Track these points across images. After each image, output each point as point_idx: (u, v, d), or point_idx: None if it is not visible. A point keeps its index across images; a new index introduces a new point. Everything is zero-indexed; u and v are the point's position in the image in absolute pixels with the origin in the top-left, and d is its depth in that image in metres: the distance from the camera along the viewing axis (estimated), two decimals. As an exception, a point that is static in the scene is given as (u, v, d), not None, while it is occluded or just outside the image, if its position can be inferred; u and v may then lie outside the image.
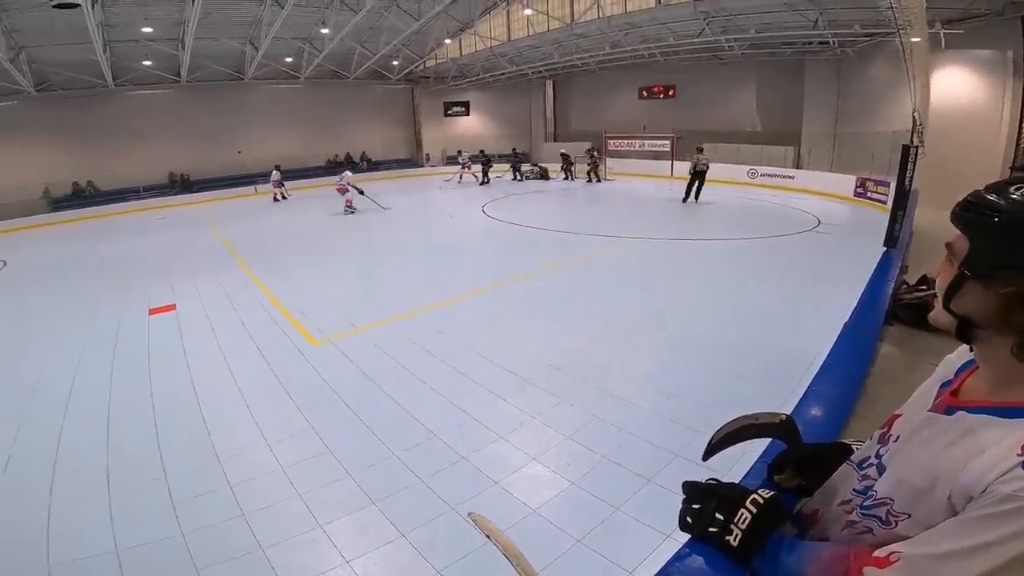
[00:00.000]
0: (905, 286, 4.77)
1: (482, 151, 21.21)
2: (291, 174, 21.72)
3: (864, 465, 0.82)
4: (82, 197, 18.78)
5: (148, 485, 3.21)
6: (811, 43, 14.60)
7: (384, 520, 2.80)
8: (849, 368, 2.23)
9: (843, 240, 9.04)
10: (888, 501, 0.71)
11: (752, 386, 4.04)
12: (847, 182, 13.15)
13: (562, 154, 19.64)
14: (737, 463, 1.24)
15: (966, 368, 0.75)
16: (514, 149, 21.67)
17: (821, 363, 2.32)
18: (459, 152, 21.70)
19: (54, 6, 9.93)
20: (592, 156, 18.75)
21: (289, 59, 19.83)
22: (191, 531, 2.79)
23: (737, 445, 0.98)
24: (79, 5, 10.05)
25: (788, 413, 1.03)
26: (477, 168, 19.39)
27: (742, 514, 0.81)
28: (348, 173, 15.18)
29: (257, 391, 4.38)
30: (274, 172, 18.43)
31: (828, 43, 14.20)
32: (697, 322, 5.51)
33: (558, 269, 7.78)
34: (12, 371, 5.19)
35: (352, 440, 3.58)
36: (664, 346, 4.97)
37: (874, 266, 4.92)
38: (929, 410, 0.74)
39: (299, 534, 2.74)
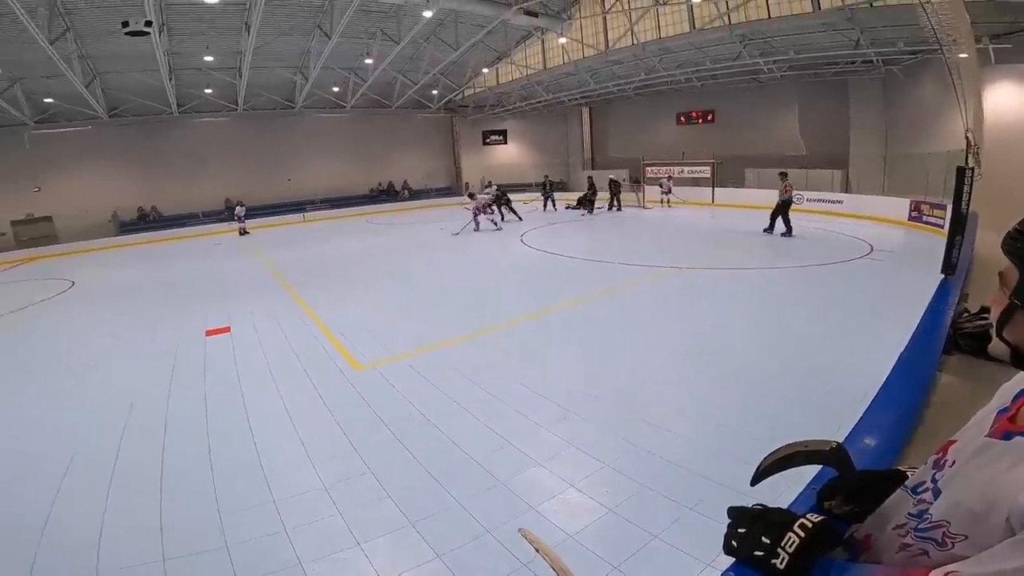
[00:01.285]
0: (966, 314, 4.50)
1: (546, 176, 20.95)
2: (335, 202, 22.71)
3: (919, 490, 0.81)
4: (146, 221, 20.11)
5: (197, 497, 3.34)
6: (854, 62, 14.29)
7: (421, 541, 2.81)
8: (905, 398, 2.13)
9: (898, 267, 8.65)
10: (944, 523, 0.70)
11: (799, 417, 3.88)
12: (900, 206, 12.61)
13: (611, 180, 18.79)
14: (785, 491, 1.21)
15: (1023, 395, 0.73)
16: (546, 177, 20.95)
17: (875, 394, 2.23)
18: (469, 185, 21.17)
19: (126, 32, 10.77)
20: (613, 185, 18.59)
21: (336, 88, 20.91)
22: (235, 544, 2.88)
23: (785, 473, 0.97)
24: (149, 32, 10.91)
25: (839, 441, 1.01)
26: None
27: (790, 538, 0.80)
28: (481, 195, 16.57)
29: (303, 412, 4.52)
30: (238, 208, 19.06)
31: (872, 62, 13.86)
32: (742, 352, 5.35)
33: (599, 298, 7.74)
34: (78, 384, 5.55)
35: (392, 462, 3.63)
36: (708, 376, 4.84)
37: (931, 294, 4.69)
38: (986, 436, 0.73)
39: (338, 551, 2.78)
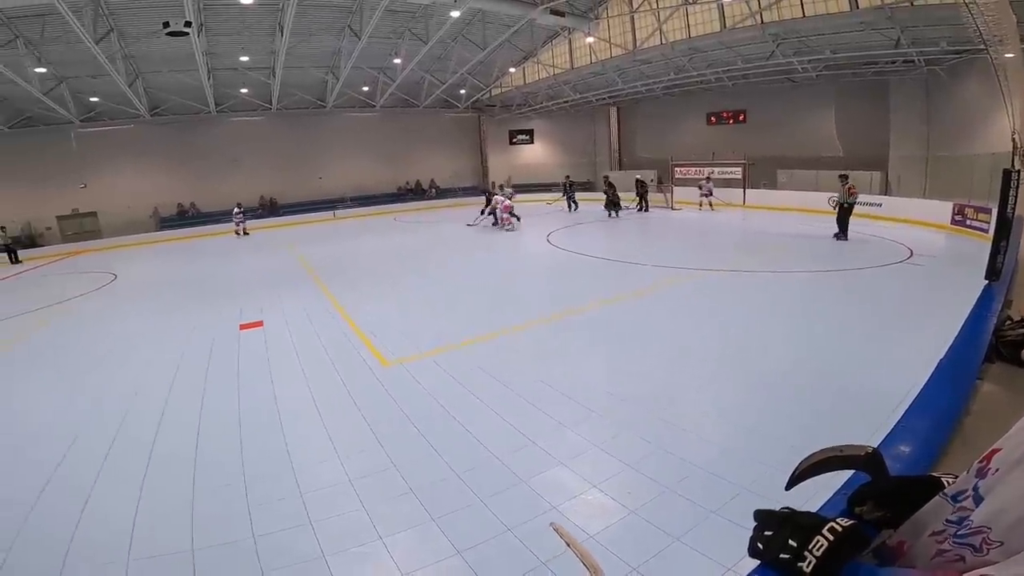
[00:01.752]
0: (1009, 322, 4.31)
1: (567, 176, 20.28)
2: (364, 200, 23.09)
3: (960, 498, 0.79)
4: (185, 217, 20.86)
5: (227, 489, 3.45)
6: (894, 62, 13.78)
7: (442, 537, 2.84)
8: (943, 404, 2.06)
9: (939, 272, 8.32)
10: (985, 530, 0.69)
11: (831, 422, 3.78)
12: (943, 209, 12.10)
13: (637, 180, 18.48)
14: (813, 496, 1.19)
15: None
16: (567, 177, 20.21)
17: (912, 400, 2.16)
18: (496, 186, 20.23)
19: (167, 33, 11.19)
20: (640, 186, 18.24)
21: (366, 88, 21.29)
22: (261, 535, 2.96)
23: (815, 477, 0.96)
24: (188, 32, 11.31)
25: (875, 446, 0.99)
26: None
27: (818, 541, 0.79)
28: (499, 197, 16.39)
29: (331, 407, 4.62)
30: (236, 208, 18.71)
31: (913, 62, 13.35)
32: (775, 356, 5.22)
33: (627, 299, 7.67)
34: (120, 372, 5.82)
35: (417, 458, 3.68)
36: (736, 380, 4.75)
37: (974, 300, 4.51)
38: None
39: (360, 545, 2.83)
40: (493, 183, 22.79)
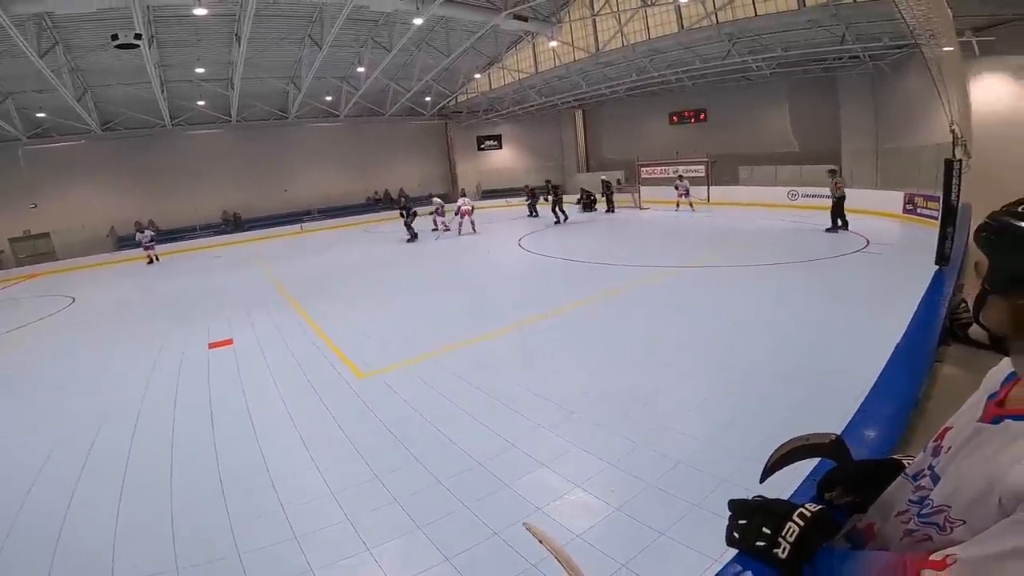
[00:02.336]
0: (963, 304, 4.55)
1: (548, 181, 19.61)
2: (332, 212, 22.71)
3: (919, 477, 0.84)
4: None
5: (208, 506, 3.38)
6: (841, 58, 14.39)
7: (429, 544, 2.84)
8: (902, 388, 2.17)
9: (894, 259, 8.72)
10: (945, 508, 0.73)
11: (801, 411, 3.91)
12: (895, 199, 12.69)
13: (603, 181, 19.34)
14: (786, 484, 1.24)
15: (1011, 380, 0.77)
16: (526, 186, 20.10)
17: (872, 385, 2.27)
18: (404, 197, 20.61)
19: (116, 45, 10.79)
20: (607, 187, 18.92)
21: (329, 97, 20.98)
22: (247, 551, 2.91)
23: (789, 468, 1.00)
24: (139, 45, 10.93)
25: (838, 433, 1.04)
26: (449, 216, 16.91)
27: (790, 527, 0.83)
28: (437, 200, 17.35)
29: (308, 421, 4.55)
30: (139, 234, 16.53)
31: (859, 57, 13.96)
32: (747, 348, 5.38)
33: (599, 300, 7.78)
34: (85, 399, 5.57)
35: (398, 468, 3.65)
36: (710, 373, 4.88)
37: (927, 285, 4.74)
38: (978, 421, 0.76)
39: (347, 557, 2.81)
40: (402, 192, 22.52)
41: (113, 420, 4.90)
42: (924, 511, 0.77)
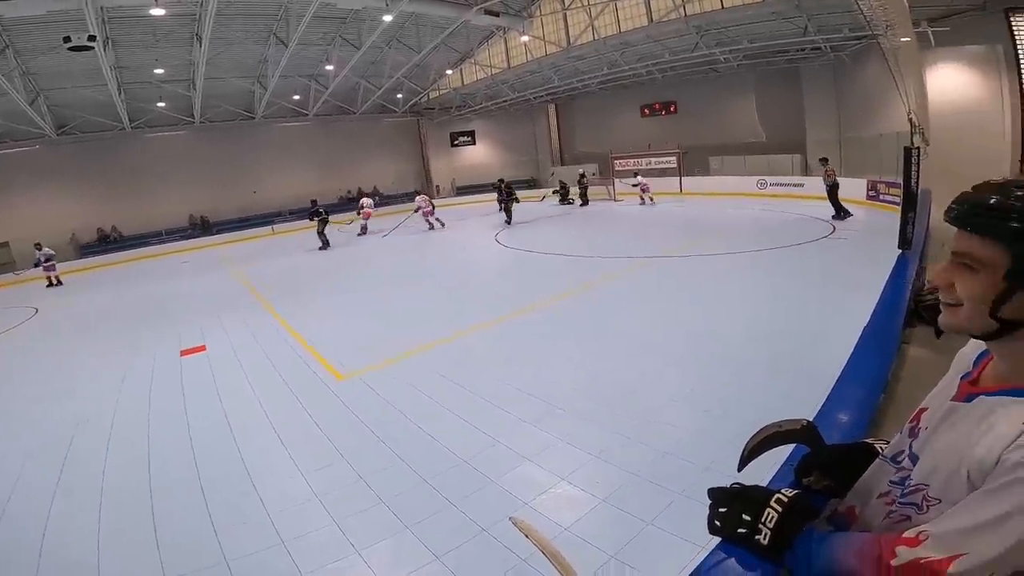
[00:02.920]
0: (927, 286, 4.75)
1: (500, 180, 19.35)
2: (304, 212, 22.20)
3: (898, 458, 0.86)
4: (108, 242, 19.33)
5: (191, 515, 3.32)
6: (804, 50, 14.76)
7: (418, 544, 2.84)
8: (871, 371, 2.26)
9: (860, 245, 9.01)
10: (923, 487, 0.75)
11: (778, 397, 4.03)
12: (858, 186, 13.09)
13: (580, 174, 19.89)
14: (765, 470, 1.29)
15: (983, 358, 0.80)
16: (501, 180, 19.53)
17: (842, 368, 2.35)
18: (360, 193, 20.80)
19: (69, 48, 10.37)
20: (582, 180, 19.10)
21: (297, 96, 20.53)
22: (234, 559, 2.87)
23: (766, 454, 1.03)
24: (93, 47, 10.51)
25: (810, 419, 1.07)
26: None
27: (769, 513, 0.85)
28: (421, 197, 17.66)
29: (289, 425, 4.48)
30: (38, 252, 14.90)
31: (820, 48, 14.34)
32: (720, 336, 5.50)
33: (576, 293, 7.84)
34: (56, 410, 5.38)
35: (383, 468, 3.64)
36: (688, 363, 4.97)
37: (890, 269, 4.92)
38: (951, 400, 0.79)
39: (337, 560, 2.79)
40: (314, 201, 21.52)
41: (87, 430, 4.76)
42: (905, 491, 0.79)
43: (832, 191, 11.31)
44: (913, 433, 0.85)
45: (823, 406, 1.80)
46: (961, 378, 0.82)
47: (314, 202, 16.39)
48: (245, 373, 5.92)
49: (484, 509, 3.07)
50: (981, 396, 0.73)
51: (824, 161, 11.55)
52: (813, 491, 1.03)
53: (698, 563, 1.60)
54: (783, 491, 0.89)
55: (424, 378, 5.15)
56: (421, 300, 8.58)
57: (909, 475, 0.80)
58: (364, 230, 17.07)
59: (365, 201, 18.08)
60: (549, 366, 5.23)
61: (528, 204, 19.85)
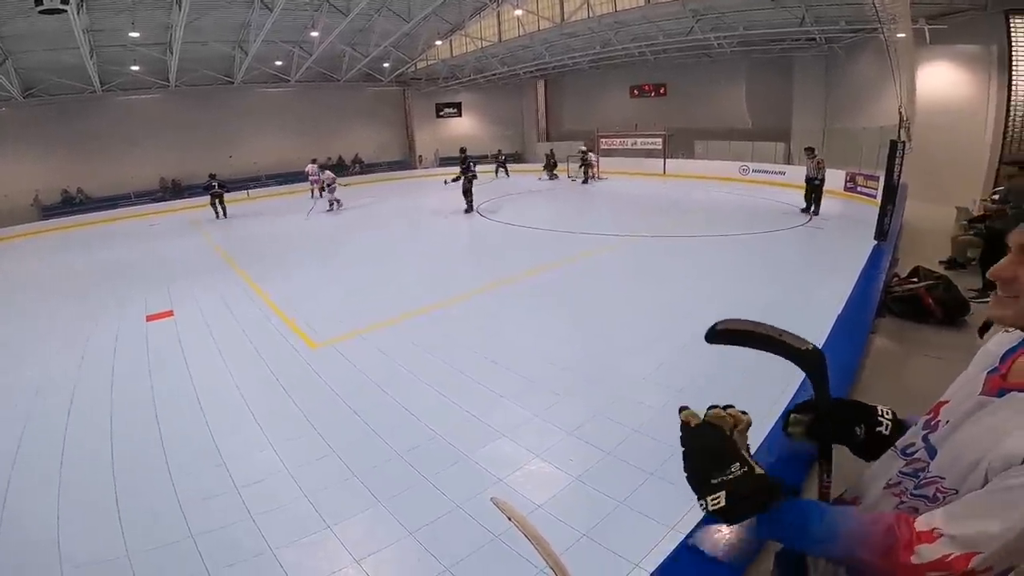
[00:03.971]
0: (896, 279, 4.85)
1: (499, 150, 20.49)
2: (284, 178, 21.71)
3: (909, 451, 0.85)
4: (72, 204, 18.61)
5: (155, 488, 3.24)
6: (799, 40, 14.74)
7: (391, 519, 2.84)
8: (843, 360, 2.29)
9: (835, 234, 9.17)
10: (939, 479, 0.75)
11: (753, 378, 4.07)
12: (837, 177, 13.25)
13: (581, 151, 18.78)
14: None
15: (1012, 354, 0.79)
16: (499, 151, 20.39)
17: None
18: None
19: (40, 11, 9.80)
20: (585, 156, 18.58)
21: (279, 62, 19.78)
22: (200, 534, 2.82)
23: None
24: (65, 10, 9.96)
25: (818, 346, 0.94)
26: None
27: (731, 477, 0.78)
28: (329, 173, 15.72)
29: (259, 396, 4.41)
30: None
31: (815, 39, 14.35)
32: (701, 317, 5.44)
33: (556, 269, 7.83)
34: (14, 378, 5.18)
35: (356, 441, 3.61)
36: (661, 342, 5.01)
37: (865, 259, 5.01)
38: (980, 394, 0.78)
39: (308, 535, 2.77)
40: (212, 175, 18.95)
41: (45, 397, 4.62)
42: (919, 483, 0.78)
43: (818, 185, 10.81)
44: (929, 426, 0.84)
45: (796, 392, 1.82)
46: (988, 373, 0.81)
47: (212, 176, 15.90)
48: (215, 340, 5.78)
49: (458, 485, 3.07)
50: (1013, 392, 0.72)
51: (811, 151, 10.97)
52: (788, 435, 0.99)
53: (669, 546, 1.63)
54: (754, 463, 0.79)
55: (400, 349, 5.11)
56: (399, 270, 8.49)
57: (925, 467, 0.79)
58: (333, 204, 15.37)
59: (310, 168, 16.45)
60: (525, 341, 5.22)
61: (514, 177, 19.97)
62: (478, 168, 13.44)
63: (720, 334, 0.93)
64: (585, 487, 3.01)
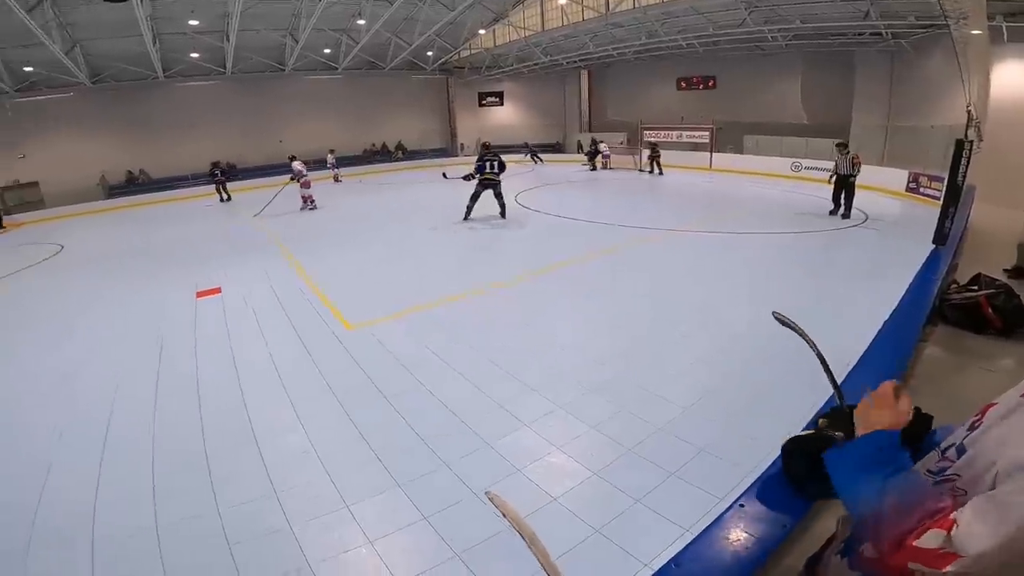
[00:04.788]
0: (955, 285, 4.53)
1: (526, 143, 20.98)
2: (327, 163, 22.45)
3: (947, 450, 0.85)
4: (135, 184, 19.81)
5: (189, 462, 3.37)
6: (862, 34, 13.92)
7: (408, 503, 2.87)
8: (886, 366, 2.15)
9: (891, 236, 8.63)
10: (955, 478, 0.75)
11: (787, 381, 3.89)
12: (899, 177, 12.52)
13: (651, 144, 18.47)
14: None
15: None
16: (526, 144, 21.05)
17: (856, 361, 2.25)
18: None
19: (105, 0, 10.39)
20: (653, 148, 18.02)
21: (327, 50, 20.30)
22: (226, 508, 2.91)
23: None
24: None
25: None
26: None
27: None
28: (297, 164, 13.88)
29: (294, 374, 4.54)
30: None
31: (881, 34, 13.53)
32: (732, 315, 5.34)
33: (592, 261, 7.71)
34: (67, 349, 5.55)
35: (381, 424, 3.67)
36: (696, 339, 4.84)
37: (920, 264, 4.70)
38: (1021, 395, 0.75)
39: (326, 513, 2.82)
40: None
41: (94, 373, 4.87)
42: (937, 481, 0.79)
43: (851, 183, 9.90)
44: (972, 427, 0.83)
45: (830, 398, 1.72)
46: None
47: (215, 164, 16.63)
48: (256, 317, 6.02)
49: (476, 473, 3.07)
50: None
51: (844, 147, 9.94)
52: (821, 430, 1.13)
53: (681, 547, 1.57)
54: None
55: (431, 334, 5.17)
56: (435, 256, 8.56)
57: (949, 466, 0.79)
58: (307, 201, 13.75)
59: (296, 165, 13.98)
60: (556, 332, 5.18)
61: (554, 167, 19.92)
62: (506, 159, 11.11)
63: (786, 323, 1.04)
64: (603, 482, 2.95)
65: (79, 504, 3.03)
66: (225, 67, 19.08)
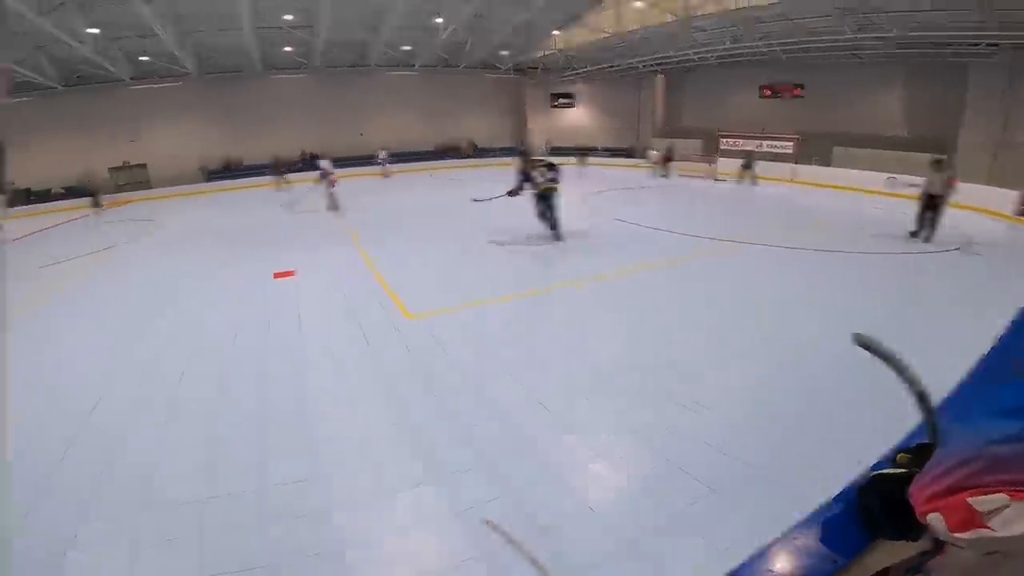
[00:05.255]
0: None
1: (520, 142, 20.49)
2: (403, 156, 23.38)
3: None
4: (231, 170, 21.68)
5: (247, 437, 3.61)
6: (977, 44, 12.60)
7: (443, 499, 2.91)
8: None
9: (996, 263, 7.73)
10: None
11: (849, 410, 3.61)
12: (1007, 198, 11.24)
13: (746, 151, 17.43)
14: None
15: None
16: (521, 144, 19.53)
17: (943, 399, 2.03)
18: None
19: None
20: (748, 155, 17.09)
21: (406, 47, 21.05)
22: (271, 487, 3.08)
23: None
24: None
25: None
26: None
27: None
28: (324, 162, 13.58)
29: (352, 359, 4.77)
30: None
31: (997, 45, 12.20)
32: (803, 336, 5.00)
33: (656, 268, 7.51)
34: (153, 319, 6.13)
35: (428, 415, 3.77)
36: (758, 357, 4.59)
37: (1026, 298, 4.19)
38: None
39: (365, 503, 2.91)
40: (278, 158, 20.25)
41: (173, 344, 5.36)
42: None
43: (931, 202, 8.91)
44: None
45: (911, 432, 1.58)
46: None
47: (276, 158, 18.59)
48: (324, 301, 6.41)
49: (515, 474, 3.08)
50: None
51: (940, 163, 8.89)
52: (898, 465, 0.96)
53: (713, 571, 1.50)
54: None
55: (488, 330, 5.27)
56: (498, 253, 8.58)
57: None
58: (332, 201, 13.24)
59: (323, 163, 13.54)
60: (610, 338, 5.09)
61: (625, 172, 19.66)
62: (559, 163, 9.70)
63: (870, 348, 0.88)
64: (642, 495, 2.87)
65: (143, 469, 3.32)
66: (314, 61, 20.36)
